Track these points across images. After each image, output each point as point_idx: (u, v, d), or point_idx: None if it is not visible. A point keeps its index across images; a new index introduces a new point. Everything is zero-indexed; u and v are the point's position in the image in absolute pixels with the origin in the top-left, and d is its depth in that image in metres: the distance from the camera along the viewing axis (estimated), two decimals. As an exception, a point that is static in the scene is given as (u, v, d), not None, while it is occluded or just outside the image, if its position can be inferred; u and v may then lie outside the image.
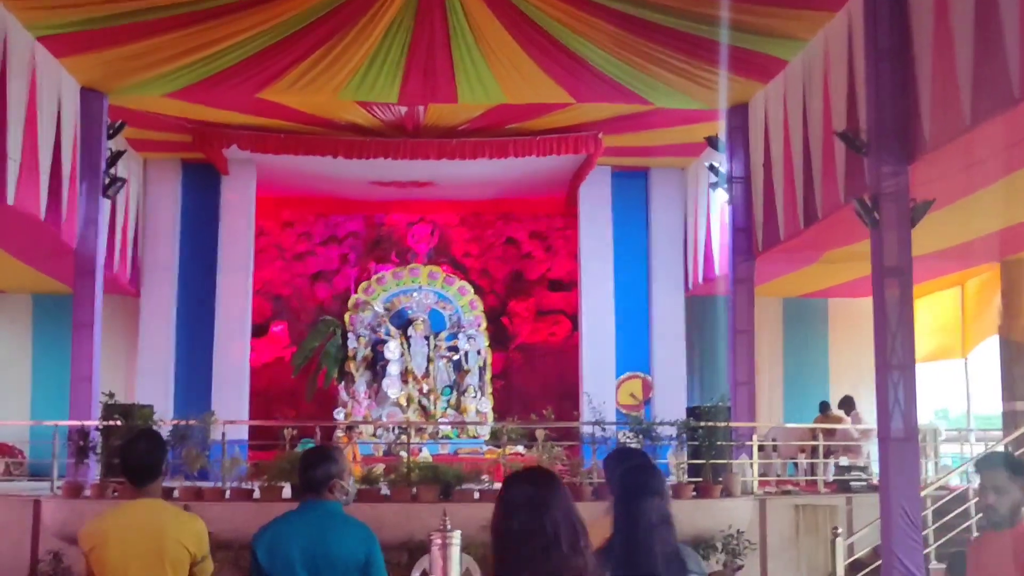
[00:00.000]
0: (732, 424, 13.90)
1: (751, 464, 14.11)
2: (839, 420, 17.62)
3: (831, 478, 15.45)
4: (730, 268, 16.38)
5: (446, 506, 10.91)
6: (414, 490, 12.52)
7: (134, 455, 5.12)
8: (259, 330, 21.71)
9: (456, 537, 9.88)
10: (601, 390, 18.96)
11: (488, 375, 21.29)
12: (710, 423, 13.41)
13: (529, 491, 3.26)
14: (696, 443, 13.46)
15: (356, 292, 21.66)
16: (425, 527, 10.54)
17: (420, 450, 17.46)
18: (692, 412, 14.26)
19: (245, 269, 19.82)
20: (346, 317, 21.41)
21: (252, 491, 12.58)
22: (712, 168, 16.64)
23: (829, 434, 16.47)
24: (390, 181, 20.23)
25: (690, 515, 12.40)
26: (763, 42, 13.81)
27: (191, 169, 19.86)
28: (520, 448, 16.38)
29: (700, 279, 19.17)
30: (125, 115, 16.10)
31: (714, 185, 16.65)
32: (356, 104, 16.63)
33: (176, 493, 12.36)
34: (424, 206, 22.57)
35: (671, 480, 14.01)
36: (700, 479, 13.23)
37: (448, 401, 20.80)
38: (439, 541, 9.84)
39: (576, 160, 19.18)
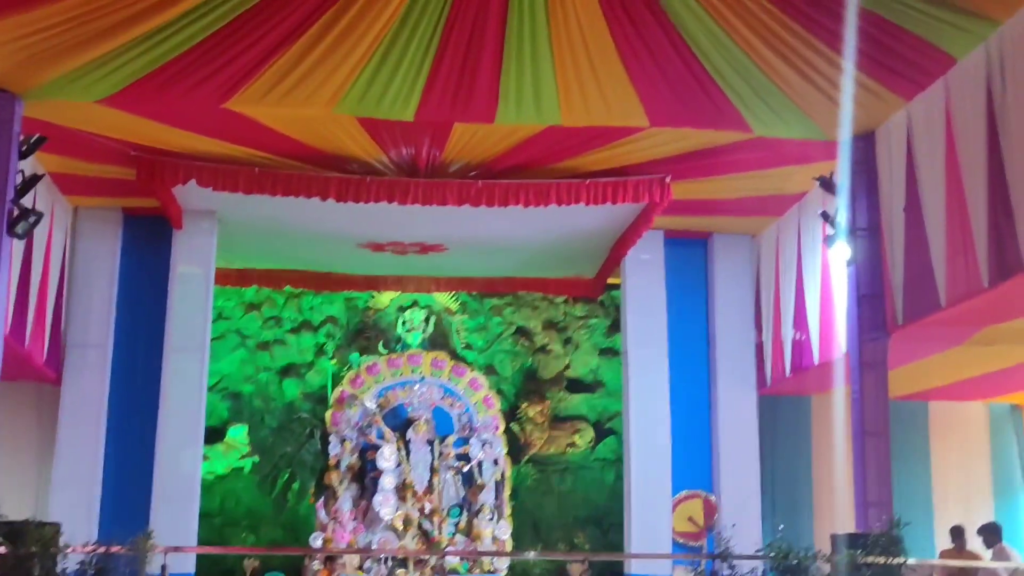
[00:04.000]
0: (909, 561, 9.68)
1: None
2: (975, 556, 13.75)
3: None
4: (854, 349, 12.29)
5: None
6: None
7: None
8: (212, 435, 17.50)
9: None
10: (652, 513, 15.40)
11: (507, 492, 17.03)
12: (884, 558, 9.26)
13: None
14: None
15: (341, 384, 17.39)
16: None
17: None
18: (856, 541, 10.09)
19: (200, 354, 15.50)
20: (327, 415, 17.11)
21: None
22: (826, 217, 12.70)
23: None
24: (388, 243, 16.07)
25: None
26: (937, 27, 10.06)
27: (135, 222, 15.57)
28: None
29: (786, 371, 15.06)
30: (47, 131, 12.03)
31: (830, 239, 12.64)
32: (356, 124, 12.54)
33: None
34: (420, 283, 18.62)
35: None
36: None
37: (456, 524, 16.57)
38: None
39: (625, 218, 15.14)
